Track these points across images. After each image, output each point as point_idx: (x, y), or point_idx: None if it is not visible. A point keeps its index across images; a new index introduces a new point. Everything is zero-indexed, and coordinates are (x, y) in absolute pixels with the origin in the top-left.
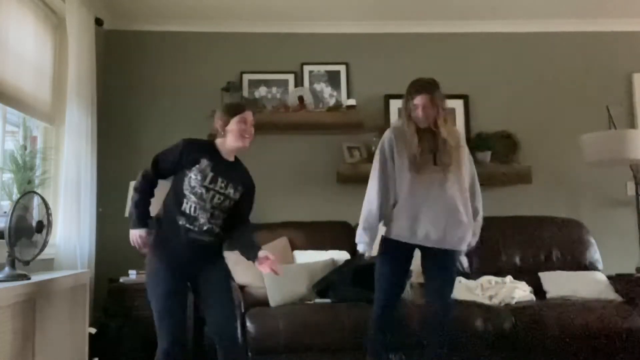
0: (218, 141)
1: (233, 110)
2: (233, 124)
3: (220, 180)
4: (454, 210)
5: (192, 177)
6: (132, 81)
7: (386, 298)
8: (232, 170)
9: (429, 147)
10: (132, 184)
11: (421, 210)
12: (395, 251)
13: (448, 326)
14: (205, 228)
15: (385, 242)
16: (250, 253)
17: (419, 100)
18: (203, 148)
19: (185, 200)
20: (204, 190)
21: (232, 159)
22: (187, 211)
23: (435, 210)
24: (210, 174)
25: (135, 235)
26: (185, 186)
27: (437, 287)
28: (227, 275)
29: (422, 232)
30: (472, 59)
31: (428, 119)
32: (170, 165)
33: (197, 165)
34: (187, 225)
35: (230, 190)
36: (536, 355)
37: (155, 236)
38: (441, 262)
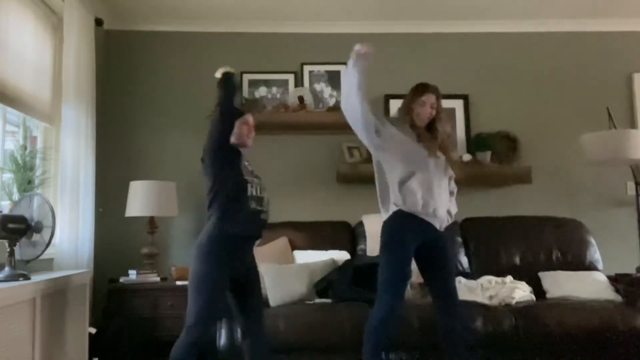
0: None
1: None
2: (236, 127)
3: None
4: (448, 197)
5: (246, 164)
6: (132, 81)
7: (397, 284)
8: None
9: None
10: (133, 183)
11: (432, 187)
12: (406, 230)
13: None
14: (267, 201)
15: (397, 217)
16: None
17: (427, 98)
18: None
19: (249, 185)
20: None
21: None
22: (255, 193)
23: (440, 192)
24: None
25: None
26: (245, 172)
27: (443, 280)
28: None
29: (432, 208)
30: (472, 59)
31: (430, 117)
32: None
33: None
34: (258, 208)
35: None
36: (536, 355)
37: (218, 237)
38: (441, 249)
